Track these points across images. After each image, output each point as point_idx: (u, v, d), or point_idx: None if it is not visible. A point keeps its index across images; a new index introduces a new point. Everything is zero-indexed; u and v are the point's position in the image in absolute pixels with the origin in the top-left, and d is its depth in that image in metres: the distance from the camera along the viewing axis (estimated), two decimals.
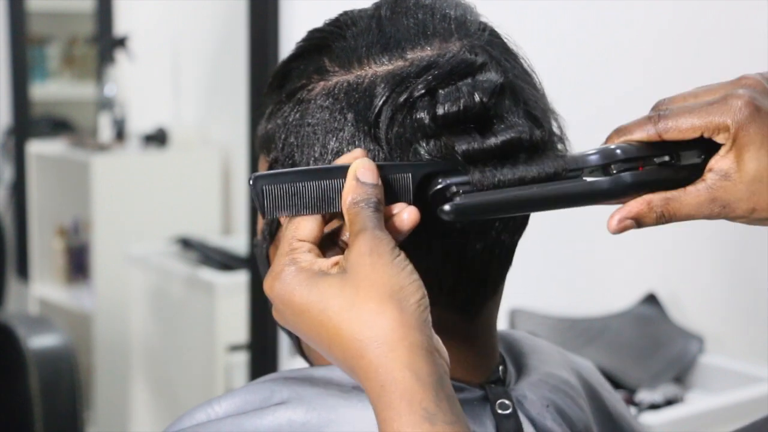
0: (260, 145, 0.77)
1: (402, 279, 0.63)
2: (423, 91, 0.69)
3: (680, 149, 0.69)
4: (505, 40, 0.75)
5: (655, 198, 0.68)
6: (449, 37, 0.71)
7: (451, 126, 0.69)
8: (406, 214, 0.66)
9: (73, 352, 2.06)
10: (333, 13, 0.76)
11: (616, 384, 1.79)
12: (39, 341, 2.02)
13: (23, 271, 3.37)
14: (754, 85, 0.68)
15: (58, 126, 3.68)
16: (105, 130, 3.13)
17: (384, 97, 0.69)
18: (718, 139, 0.68)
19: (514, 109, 0.71)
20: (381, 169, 0.67)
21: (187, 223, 2.94)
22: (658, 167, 0.69)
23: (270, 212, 0.66)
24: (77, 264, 3.26)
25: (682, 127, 0.68)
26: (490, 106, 0.69)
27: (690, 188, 0.68)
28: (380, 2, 0.74)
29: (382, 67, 0.70)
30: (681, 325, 1.97)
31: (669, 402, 1.79)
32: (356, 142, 0.69)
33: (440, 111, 0.68)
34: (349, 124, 0.70)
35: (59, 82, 3.78)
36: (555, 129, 0.74)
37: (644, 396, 1.79)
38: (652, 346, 1.93)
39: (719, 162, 0.68)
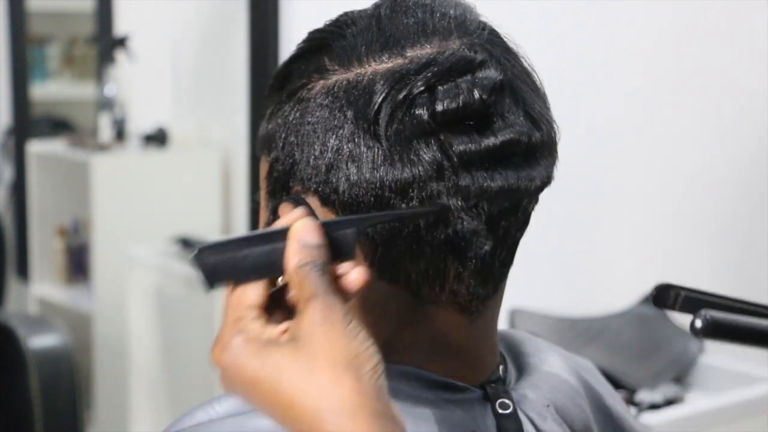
0: (261, 145, 0.77)
1: (356, 346, 0.62)
2: (422, 88, 0.68)
3: None
4: (505, 39, 0.75)
5: None
6: (449, 35, 0.71)
7: (449, 123, 0.69)
8: (354, 275, 0.65)
9: (73, 352, 2.07)
10: (333, 14, 0.77)
11: (616, 384, 1.79)
12: (39, 341, 2.02)
13: (23, 271, 3.37)
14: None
15: (58, 126, 3.68)
16: (105, 130, 3.13)
17: (383, 94, 0.69)
18: None
19: (513, 109, 0.71)
20: (324, 227, 0.65)
21: (187, 223, 2.94)
22: None
23: (215, 283, 0.65)
24: (77, 264, 3.26)
25: None
26: (489, 104, 0.69)
27: None
28: (380, 2, 0.75)
29: (382, 65, 0.70)
30: (681, 325, 1.97)
31: (669, 402, 1.79)
32: (356, 139, 0.69)
33: (439, 108, 0.68)
34: (349, 122, 0.70)
35: (59, 82, 3.78)
36: (551, 133, 0.74)
37: (644, 396, 1.79)
38: (652, 346, 1.93)
39: None
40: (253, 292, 0.65)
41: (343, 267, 0.66)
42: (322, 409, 0.60)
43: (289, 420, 0.62)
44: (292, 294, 0.65)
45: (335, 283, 0.65)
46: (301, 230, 0.65)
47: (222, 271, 0.65)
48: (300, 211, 0.67)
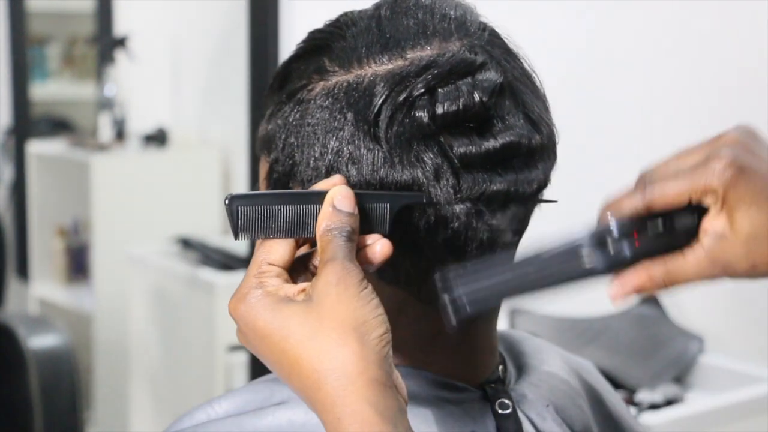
0: (261, 145, 0.77)
1: (366, 312, 0.62)
2: (422, 90, 0.68)
3: (672, 214, 0.68)
4: (506, 41, 0.75)
5: (655, 268, 0.67)
6: (449, 36, 0.71)
7: (450, 126, 0.68)
8: (379, 247, 0.66)
9: (73, 352, 2.07)
10: (333, 14, 0.76)
11: (616, 384, 1.79)
12: (39, 341, 2.03)
13: (23, 271, 3.37)
14: (733, 143, 0.67)
15: (58, 126, 3.68)
16: (105, 130, 3.13)
17: (383, 96, 0.69)
18: (706, 201, 0.67)
19: (513, 111, 0.71)
20: (359, 198, 0.66)
21: (187, 223, 2.94)
22: (654, 237, 0.68)
23: (243, 234, 0.66)
24: (77, 264, 3.26)
25: (668, 195, 0.67)
26: (489, 106, 0.69)
27: (689, 254, 0.67)
28: (380, 2, 0.74)
29: (382, 67, 0.70)
30: (681, 325, 1.97)
31: (669, 402, 1.79)
32: (356, 141, 0.69)
33: (439, 110, 0.68)
34: (349, 124, 0.70)
35: (59, 82, 3.78)
36: (551, 136, 0.73)
37: (644, 396, 1.79)
38: (652, 346, 1.93)
39: (712, 224, 0.67)
40: (280, 249, 0.66)
41: (370, 238, 0.67)
42: (322, 370, 0.61)
43: (294, 378, 0.62)
44: (317, 258, 0.66)
45: (361, 252, 0.66)
46: (337, 196, 0.65)
47: (252, 221, 0.66)
48: (338, 177, 0.68)
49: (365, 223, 0.67)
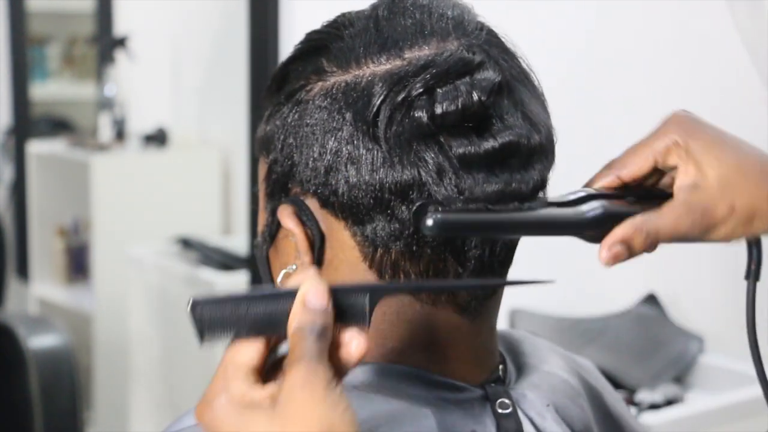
0: (259, 146, 0.77)
1: (334, 417, 0.59)
2: (421, 90, 0.68)
3: (647, 191, 0.72)
4: (503, 40, 0.75)
5: (638, 219, 0.69)
6: (447, 36, 0.71)
7: (449, 125, 0.68)
8: (354, 345, 0.62)
9: (73, 352, 2.06)
10: (334, 14, 0.76)
11: (616, 384, 1.79)
12: (39, 341, 2.02)
13: (23, 271, 3.37)
14: (682, 113, 0.72)
15: (58, 126, 3.68)
16: (105, 130, 3.13)
17: (382, 96, 0.69)
18: (671, 160, 0.70)
19: (512, 110, 0.71)
20: (335, 292, 0.62)
21: (187, 223, 2.94)
22: (630, 203, 0.72)
23: (209, 338, 0.62)
24: (77, 264, 3.26)
25: (635, 161, 0.71)
26: (488, 105, 0.69)
27: (665, 207, 0.70)
28: (378, 3, 0.74)
29: (380, 67, 0.70)
30: (681, 325, 1.97)
31: (669, 402, 1.79)
32: (355, 142, 0.69)
33: (438, 110, 0.68)
34: (348, 124, 0.70)
35: (59, 82, 3.78)
36: (549, 135, 0.73)
37: (644, 396, 1.79)
38: (652, 346, 1.93)
39: (682, 178, 0.70)
40: (248, 350, 0.62)
41: (348, 334, 0.62)
42: None
43: None
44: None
45: (337, 350, 0.62)
46: (308, 292, 0.62)
47: (217, 326, 0.62)
48: (312, 271, 0.64)
49: (345, 316, 0.62)
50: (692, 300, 2.01)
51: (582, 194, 0.72)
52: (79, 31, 3.75)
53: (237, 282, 2.40)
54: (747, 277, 0.75)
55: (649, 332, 1.97)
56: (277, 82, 0.76)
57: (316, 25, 0.77)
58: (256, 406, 0.60)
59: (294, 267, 0.74)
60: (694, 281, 2.02)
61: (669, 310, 2.00)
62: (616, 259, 0.70)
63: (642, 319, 2.00)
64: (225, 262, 2.58)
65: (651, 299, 2.01)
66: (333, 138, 0.70)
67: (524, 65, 0.75)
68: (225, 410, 0.61)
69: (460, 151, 0.68)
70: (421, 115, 0.68)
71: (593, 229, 0.70)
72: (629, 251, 0.69)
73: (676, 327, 1.96)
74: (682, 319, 2.00)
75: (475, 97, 0.69)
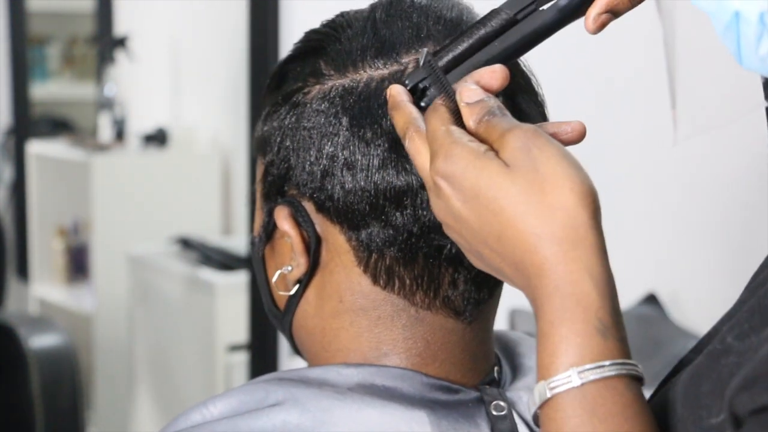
0: (257, 147, 0.77)
1: (582, 175, 0.59)
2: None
3: None
4: None
5: None
6: (443, 40, 0.71)
7: None
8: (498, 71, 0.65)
9: (73, 352, 2.07)
10: (332, 14, 0.76)
11: None
12: (39, 341, 2.03)
13: (23, 271, 3.38)
14: None
15: (58, 126, 3.68)
16: (105, 130, 3.13)
17: (378, 102, 0.69)
18: None
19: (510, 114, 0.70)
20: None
21: (187, 223, 2.94)
22: None
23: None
24: (77, 264, 3.26)
25: None
26: None
27: None
28: (375, 4, 0.74)
29: (377, 72, 0.70)
30: (681, 325, 1.97)
31: None
32: (351, 147, 0.69)
33: None
34: (344, 129, 0.70)
35: (59, 82, 3.79)
36: None
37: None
38: (652, 346, 1.93)
39: None
40: (452, 115, 0.64)
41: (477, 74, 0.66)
42: (541, 234, 0.57)
43: (506, 241, 0.59)
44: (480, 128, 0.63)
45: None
46: (465, 93, 0.65)
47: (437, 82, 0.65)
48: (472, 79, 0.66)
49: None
50: (692, 300, 2.01)
51: None
52: (79, 31, 3.75)
53: (237, 282, 2.40)
54: None
55: (649, 332, 1.97)
56: (275, 81, 0.76)
57: (317, 24, 0.76)
58: (493, 157, 0.60)
59: (290, 268, 0.74)
60: (694, 281, 2.02)
61: (669, 310, 2.00)
62: (602, 27, 0.68)
63: (642, 319, 1.99)
64: (225, 262, 2.58)
65: (651, 299, 2.01)
66: (329, 142, 0.70)
67: (523, 67, 0.75)
68: (465, 160, 0.60)
69: None
70: None
71: (577, 16, 0.70)
72: (615, 15, 0.69)
73: (676, 327, 1.96)
74: (682, 319, 2.00)
75: None
